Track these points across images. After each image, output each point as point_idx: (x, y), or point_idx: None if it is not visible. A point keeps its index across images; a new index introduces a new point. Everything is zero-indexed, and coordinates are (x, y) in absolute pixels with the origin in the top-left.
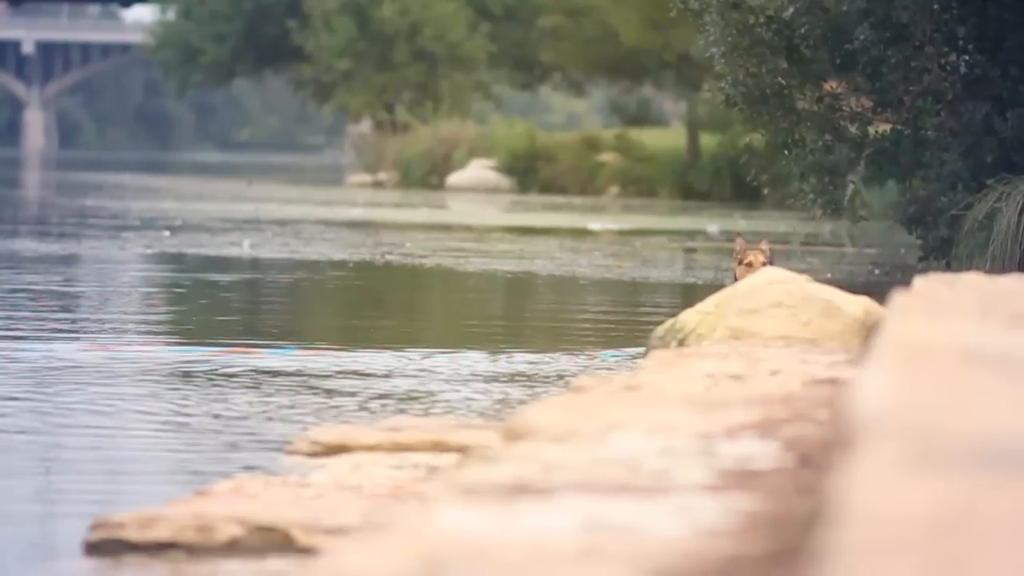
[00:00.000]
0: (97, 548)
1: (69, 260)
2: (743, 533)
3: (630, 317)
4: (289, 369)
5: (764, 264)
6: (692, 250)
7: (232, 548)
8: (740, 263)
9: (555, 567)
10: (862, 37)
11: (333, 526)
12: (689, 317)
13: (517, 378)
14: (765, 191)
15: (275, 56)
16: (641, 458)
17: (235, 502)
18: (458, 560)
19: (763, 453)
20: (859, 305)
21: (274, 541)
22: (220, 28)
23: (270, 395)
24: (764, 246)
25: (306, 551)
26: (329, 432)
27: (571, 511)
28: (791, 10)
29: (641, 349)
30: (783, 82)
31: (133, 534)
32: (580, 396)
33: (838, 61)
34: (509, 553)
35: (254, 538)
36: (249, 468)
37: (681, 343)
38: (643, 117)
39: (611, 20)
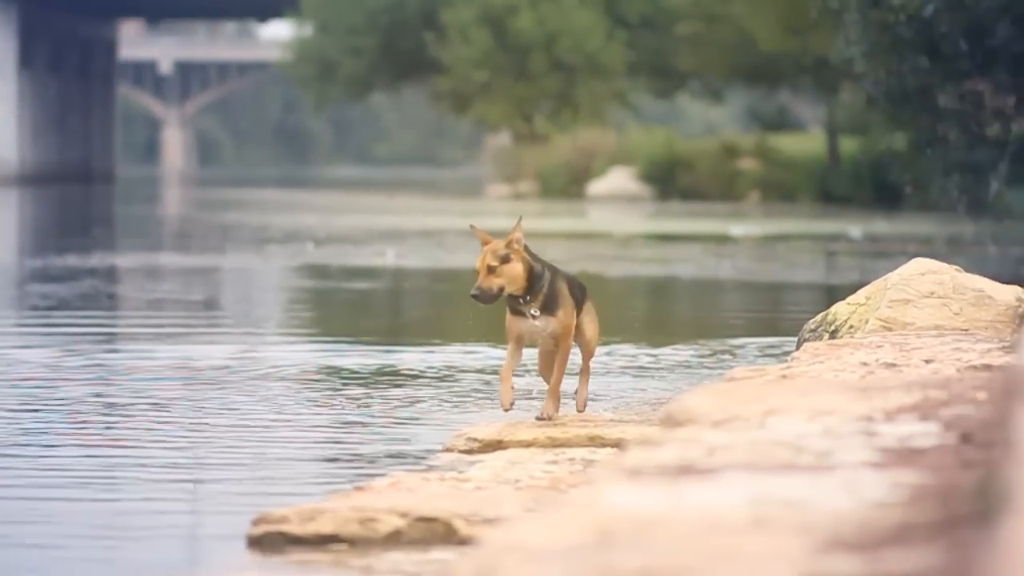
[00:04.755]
0: (260, 542)
1: (212, 272)
2: (910, 504)
3: (776, 315)
4: (437, 367)
5: (490, 268)
6: (835, 253)
7: (394, 540)
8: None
9: (727, 536)
10: (1003, 34)
11: (494, 517)
12: (841, 309)
13: (667, 374)
14: (908, 191)
15: (412, 69)
16: (803, 439)
17: (395, 496)
18: (630, 531)
19: (924, 432)
20: (1010, 293)
21: (436, 532)
22: (357, 42)
23: (421, 394)
24: (517, 233)
25: (468, 542)
26: (485, 429)
27: (738, 487)
28: (931, 8)
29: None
30: (925, 80)
31: (296, 528)
32: (736, 384)
33: (979, 59)
34: (680, 525)
35: (416, 529)
36: (405, 465)
37: (833, 335)
38: (781, 123)
39: (748, 25)
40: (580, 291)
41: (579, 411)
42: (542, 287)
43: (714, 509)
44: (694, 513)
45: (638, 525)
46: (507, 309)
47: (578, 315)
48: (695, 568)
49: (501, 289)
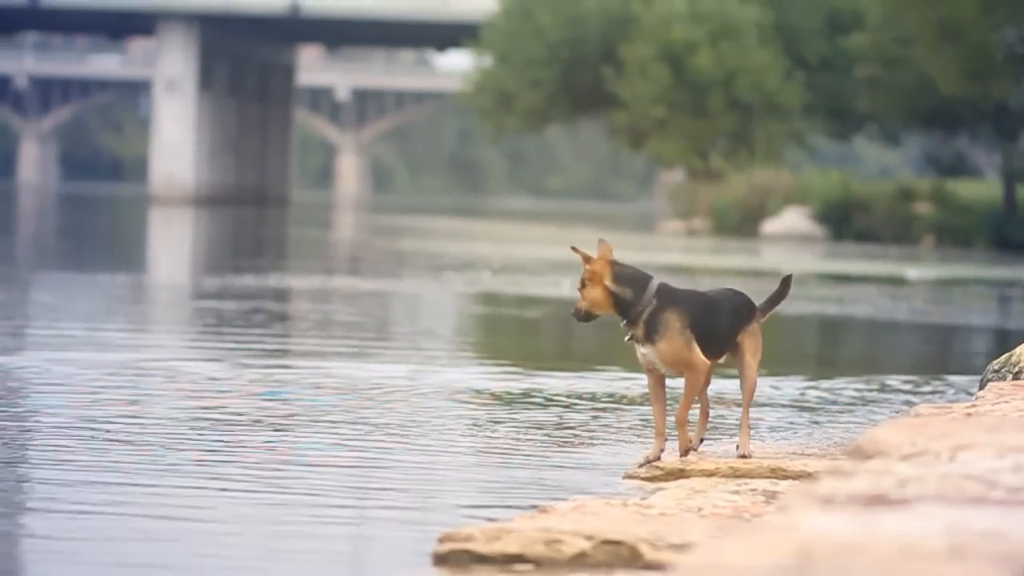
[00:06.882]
0: (445, 560)
1: (387, 296)
2: None
3: (953, 356)
4: (614, 393)
5: (579, 289)
6: (1010, 299)
7: (579, 562)
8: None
9: (925, 563)
10: None
11: (680, 542)
12: None
13: (845, 409)
14: None
15: (589, 103)
16: (994, 475)
17: (579, 519)
18: (829, 555)
19: None
20: None
21: (621, 555)
22: (536, 74)
23: (596, 420)
24: (588, 264)
25: (653, 566)
26: (667, 457)
27: (932, 517)
28: None
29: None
30: None
31: (481, 547)
32: (923, 420)
33: None
34: (877, 551)
35: (601, 552)
36: (586, 491)
37: (1017, 376)
38: (957, 168)
39: (929, 70)
40: (732, 316)
41: (743, 457)
42: (639, 313)
43: (910, 537)
44: (890, 540)
45: (836, 550)
46: None
47: (733, 339)
48: None
49: (588, 312)
